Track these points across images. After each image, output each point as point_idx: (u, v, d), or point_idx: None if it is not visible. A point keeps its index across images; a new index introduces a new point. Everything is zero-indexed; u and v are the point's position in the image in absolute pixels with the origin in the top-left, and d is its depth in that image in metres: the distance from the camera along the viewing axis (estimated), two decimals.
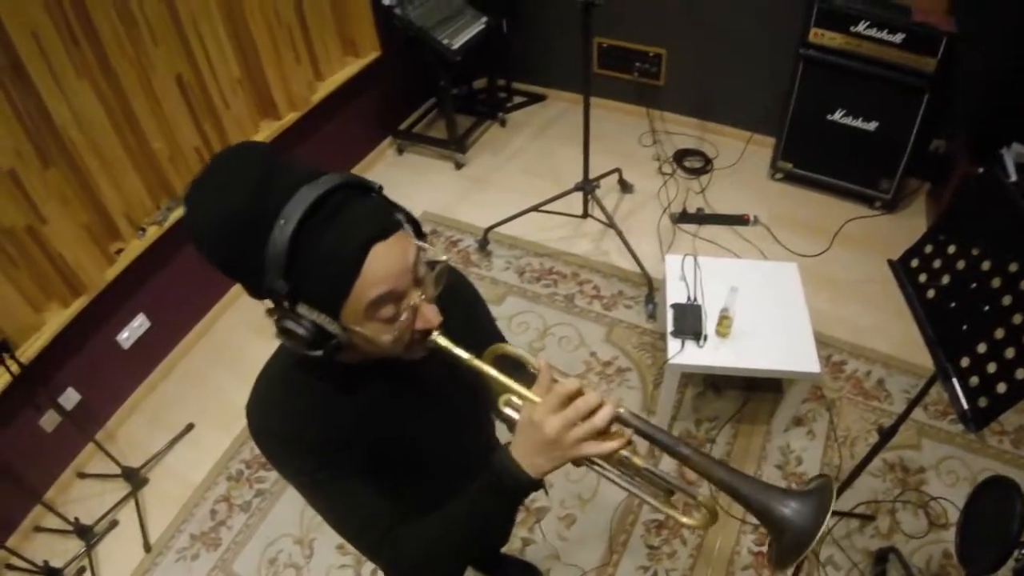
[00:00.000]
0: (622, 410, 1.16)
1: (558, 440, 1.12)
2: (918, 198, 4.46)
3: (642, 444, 1.25)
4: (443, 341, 1.19)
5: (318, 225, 1.01)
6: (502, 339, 1.43)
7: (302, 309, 1.07)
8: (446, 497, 1.27)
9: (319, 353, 1.10)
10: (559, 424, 1.11)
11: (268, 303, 1.12)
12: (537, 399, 1.16)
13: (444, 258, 1.22)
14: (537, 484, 1.18)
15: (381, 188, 1.14)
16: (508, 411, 1.24)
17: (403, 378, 1.34)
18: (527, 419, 1.16)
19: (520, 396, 1.21)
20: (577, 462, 1.17)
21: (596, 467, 1.21)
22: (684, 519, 1.25)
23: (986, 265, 1.94)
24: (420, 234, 1.19)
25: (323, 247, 1.02)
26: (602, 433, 1.13)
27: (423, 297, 1.15)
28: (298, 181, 1.03)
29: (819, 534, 1.05)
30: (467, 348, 1.21)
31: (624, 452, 1.18)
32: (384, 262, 1.06)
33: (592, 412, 1.12)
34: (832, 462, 3.21)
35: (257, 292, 1.10)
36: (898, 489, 3.10)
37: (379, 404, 1.33)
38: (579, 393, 1.13)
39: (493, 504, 1.23)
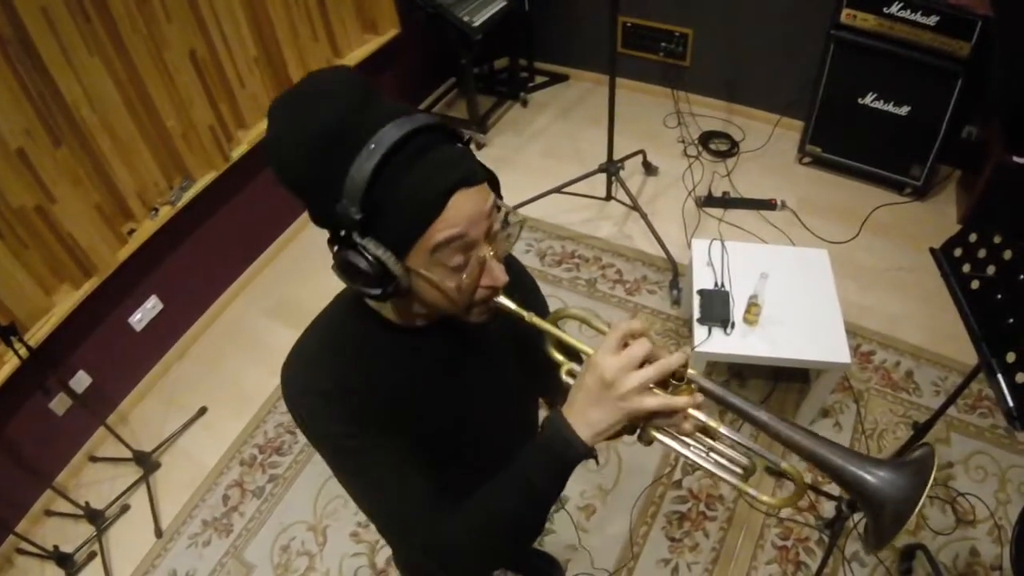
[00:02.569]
0: (692, 371, 1.06)
1: (616, 382, 1.01)
2: (949, 185, 4.35)
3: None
4: (505, 302, 1.13)
5: (407, 159, 0.98)
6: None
7: (368, 243, 1.01)
8: (486, 480, 1.17)
9: (378, 291, 1.05)
10: (620, 363, 1.01)
11: (331, 232, 1.07)
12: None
13: (520, 217, 1.17)
14: (590, 451, 1.07)
15: (470, 139, 1.10)
16: (570, 381, 1.15)
17: (460, 348, 1.29)
18: (587, 363, 1.07)
19: (582, 352, 1.13)
20: (642, 430, 1.08)
21: (666, 436, 1.10)
22: (764, 497, 1.14)
23: None
24: (498, 192, 1.14)
25: (408, 182, 0.98)
26: (666, 388, 1.05)
27: (493, 254, 1.09)
28: (395, 111, 1.00)
29: (918, 506, 0.95)
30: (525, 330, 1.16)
31: (700, 416, 1.06)
32: (464, 208, 1.02)
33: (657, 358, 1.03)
34: None
35: (325, 217, 1.05)
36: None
37: (433, 374, 1.27)
38: (642, 334, 1.05)
39: (541, 471, 1.12)
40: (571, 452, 1.07)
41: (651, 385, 1.03)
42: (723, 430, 1.09)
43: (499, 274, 1.11)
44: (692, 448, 1.13)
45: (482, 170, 1.07)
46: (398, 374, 1.22)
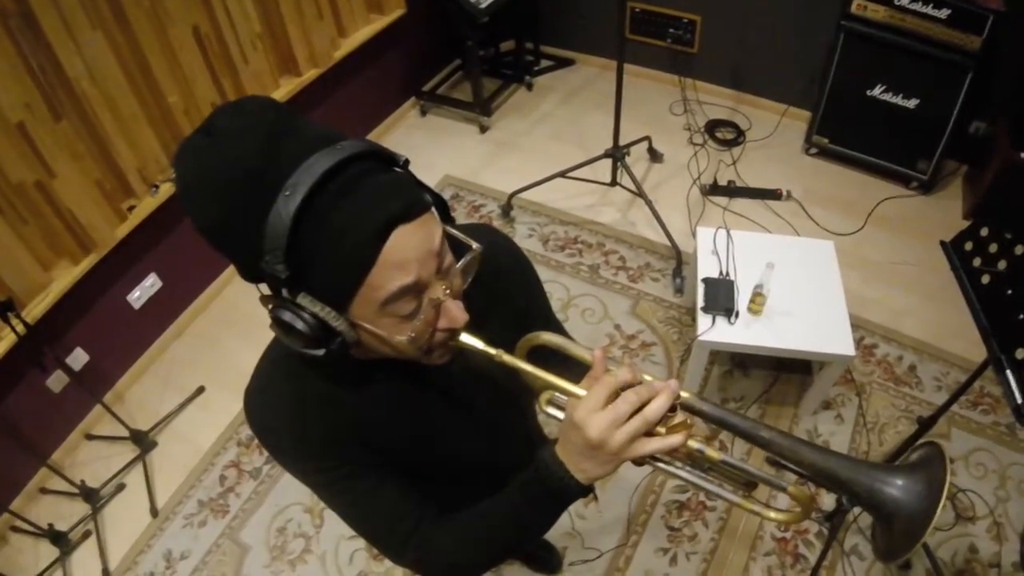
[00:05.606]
0: (685, 394, 1.00)
1: (605, 442, 0.95)
2: (955, 181, 4.32)
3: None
4: (470, 340, 1.04)
5: (331, 200, 0.85)
6: (559, 327, 1.28)
7: (303, 300, 0.91)
8: (477, 501, 1.14)
9: (320, 353, 0.95)
10: (604, 423, 0.95)
11: (263, 288, 0.96)
12: (582, 392, 1.00)
13: (476, 245, 1.04)
14: (586, 490, 1.04)
15: (407, 162, 0.97)
16: (552, 410, 1.09)
17: (422, 378, 1.19)
18: (568, 419, 1.00)
19: (563, 391, 1.05)
20: (637, 461, 1.02)
21: (661, 465, 1.06)
22: (772, 514, 1.09)
23: None
24: (447, 216, 1.03)
25: (334, 226, 0.86)
26: (661, 423, 0.98)
27: (447, 292, 0.98)
28: (311, 145, 0.87)
29: (937, 513, 0.89)
30: (511, 338, 1.08)
31: (695, 445, 1.01)
32: (406, 248, 0.90)
33: (645, 404, 0.96)
34: (860, 448, 3.12)
35: (251, 274, 0.93)
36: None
37: (396, 404, 1.18)
38: (629, 384, 0.97)
39: (535, 509, 1.09)
40: (566, 495, 1.05)
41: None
42: (720, 456, 1.05)
43: (457, 314, 1.01)
44: (688, 470, 1.09)
45: (423, 198, 0.94)
46: (358, 403, 1.14)
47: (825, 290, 3.01)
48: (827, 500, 2.94)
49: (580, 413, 0.97)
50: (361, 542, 2.98)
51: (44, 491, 3.24)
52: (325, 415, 1.12)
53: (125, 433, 3.30)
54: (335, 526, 3.03)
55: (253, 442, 3.34)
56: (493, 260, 1.09)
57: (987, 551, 2.81)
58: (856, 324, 3.47)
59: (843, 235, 3.98)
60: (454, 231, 1.02)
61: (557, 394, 1.08)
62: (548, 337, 1.11)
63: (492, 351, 1.04)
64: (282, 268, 0.87)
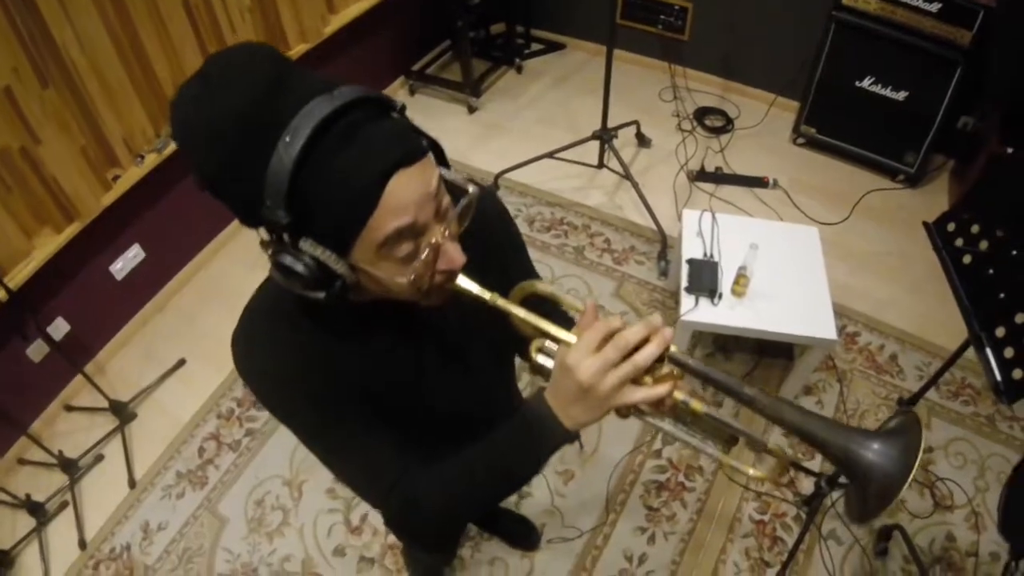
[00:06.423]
0: (673, 348, 1.01)
1: (594, 386, 0.97)
2: (941, 175, 4.33)
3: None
4: (466, 284, 1.05)
5: (331, 146, 0.86)
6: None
7: (304, 244, 0.92)
8: (454, 450, 1.14)
9: (321, 295, 0.96)
10: (595, 367, 0.96)
11: (263, 233, 0.96)
12: (573, 339, 1.03)
13: (472, 188, 1.04)
14: (572, 436, 1.05)
15: (404, 107, 0.97)
16: (541, 359, 1.10)
17: (417, 325, 1.21)
18: (560, 363, 1.01)
19: (554, 339, 1.07)
20: (622, 411, 1.03)
21: (646, 417, 1.08)
22: (750, 471, 1.12)
23: None
24: (444, 161, 1.03)
25: (335, 172, 0.86)
26: (649, 373, 1.00)
27: (446, 234, 0.99)
28: (309, 91, 0.87)
29: (910, 479, 0.93)
30: (501, 288, 1.08)
31: (681, 397, 1.03)
32: (405, 191, 0.91)
33: (635, 350, 0.97)
34: None
35: (251, 220, 0.94)
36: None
37: (387, 352, 1.19)
38: (620, 332, 0.98)
39: (521, 452, 1.10)
40: (553, 438, 1.06)
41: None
42: (704, 409, 1.07)
43: (455, 255, 1.01)
44: (671, 422, 1.11)
45: (423, 142, 0.96)
46: (349, 349, 1.15)
47: (809, 275, 3.02)
48: (806, 484, 2.95)
49: (571, 357, 0.99)
50: (340, 515, 2.97)
51: (22, 462, 3.22)
52: (313, 360, 1.12)
53: (105, 404, 3.28)
54: (314, 500, 3.03)
55: (234, 414, 3.33)
56: (481, 211, 1.09)
57: (965, 540, 2.82)
58: (839, 312, 3.50)
59: (829, 224, 3.99)
60: (451, 175, 1.02)
61: (548, 343, 1.10)
62: (542, 287, 1.12)
63: (487, 295, 1.06)
64: (283, 214, 0.88)
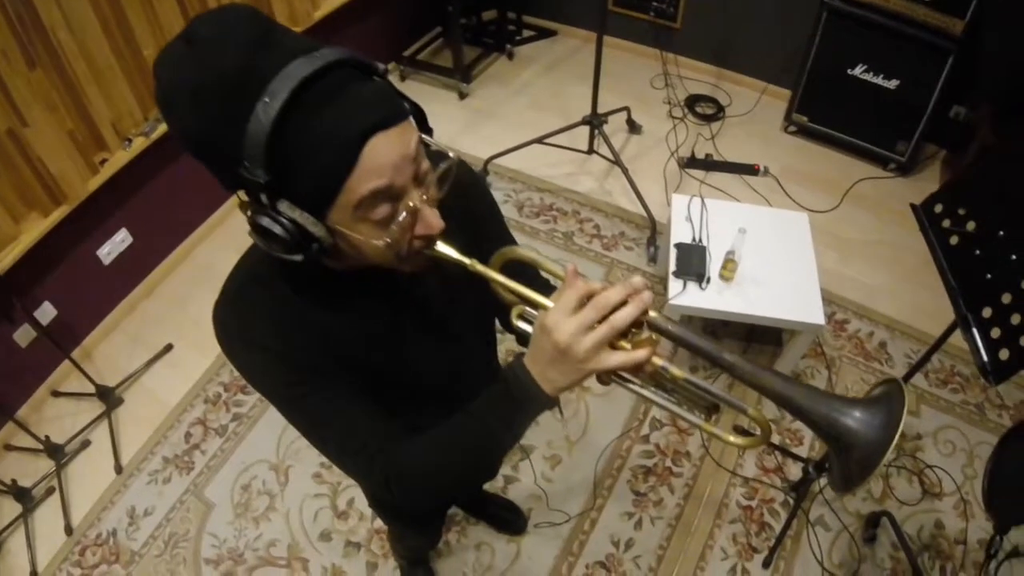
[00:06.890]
0: (653, 314, 1.00)
1: (571, 347, 0.96)
2: (933, 164, 4.33)
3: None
4: (444, 249, 1.05)
5: (310, 107, 0.86)
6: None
7: (283, 205, 0.92)
8: (436, 421, 1.14)
9: (299, 258, 0.96)
10: (572, 327, 0.96)
11: (242, 195, 0.95)
12: (552, 305, 1.01)
13: (452, 154, 1.06)
14: (551, 402, 1.04)
15: (387, 71, 0.97)
16: (522, 324, 1.10)
17: (398, 294, 1.20)
18: (539, 325, 1.01)
19: (533, 304, 1.06)
20: (602, 378, 1.03)
21: (627, 383, 1.07)
22: (731, 438, 1.11)
23: (1016, 213, 1.83)
24: (425, 126, 1.03)
25: (314, 134, 0.87)
26: (625, 338, 0.99)
27: (424, 198, 0.99)
28: (291, 53, 0.87)
29: (892, 446, 0.91)
30: (481, 254, 1.08)
31: (660, 363, 1.01)
32: (384, 153, 0.91)
33: (614, 311, 0.97)
34: None
35: (231, 181, 0.93)
36: (893, 454, 3.00)
37: (369, 320, 1.19)
38: (598, 293, 0.98)
39: (501, 418, 1.09)
40: (533, 404, 1.05)
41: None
42: (684, 375, 1.07)
43: (433, 220, 1.01)
44: (652, 389, 1.10)
45: (402, 107, 0.96)
46: (330, 317, 1.15)
47: (798, 260, 3.02)
48: (793, 470, 2.96)
49: (550, 318, 0.99)
50: (326, 500, 2.97)
51: (8, 447, 3.20)
52: (295, 329, 1.11)
53: (92, 390, 3.27)
54: (300, 484, 3.02)
55: (220, 399, 3.31)
56: (457, 180, 1.08)
57: (953, 527, 2.83)
58: (828, 299, 3.50)
59: (819, 212, 3.99)
60: (432, 140, 1.03)
61: (529, 308, 1.10)
62: (522, 252, 1.12)
63: (466, 260, 1.05)
64: (261, 174, 0.88)
